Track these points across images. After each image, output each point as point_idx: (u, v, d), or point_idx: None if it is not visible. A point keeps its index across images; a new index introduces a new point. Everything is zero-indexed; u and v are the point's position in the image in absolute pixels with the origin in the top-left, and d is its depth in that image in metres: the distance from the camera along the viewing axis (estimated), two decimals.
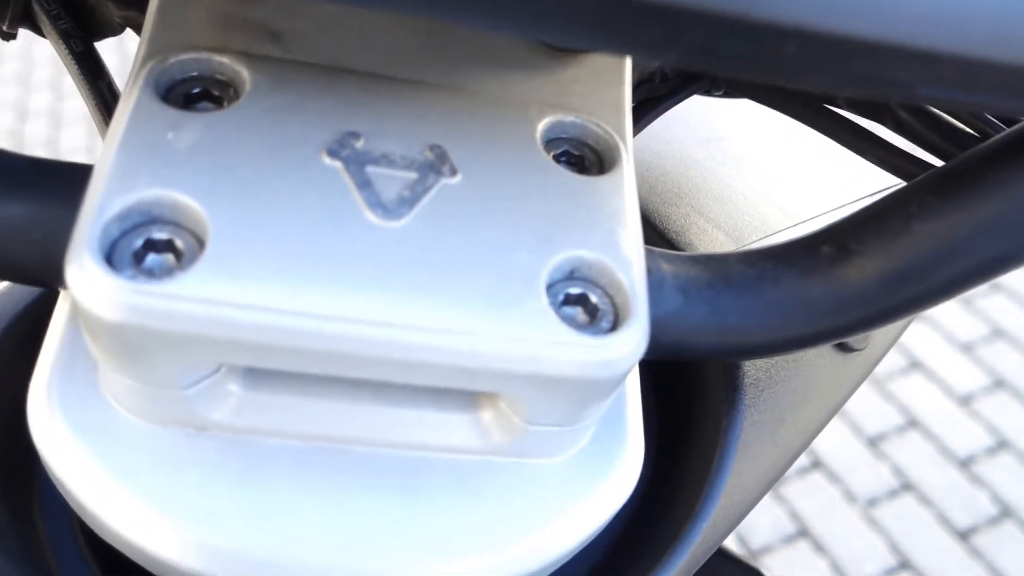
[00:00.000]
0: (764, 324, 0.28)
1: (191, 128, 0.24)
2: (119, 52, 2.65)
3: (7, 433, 0.33)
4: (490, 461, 0.27)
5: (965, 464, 1.82)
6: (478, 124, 0.27)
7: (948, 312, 2.14)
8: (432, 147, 0.26)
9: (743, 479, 0.35)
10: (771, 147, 0.55)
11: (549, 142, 0.28)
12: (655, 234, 0.46)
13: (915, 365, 2.01)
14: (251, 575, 0.24)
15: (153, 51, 0.26)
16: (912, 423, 1.89)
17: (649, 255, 0.28)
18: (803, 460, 1.81)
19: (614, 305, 0.25)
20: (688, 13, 0.17)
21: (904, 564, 1.64)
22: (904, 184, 0.30)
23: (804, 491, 1.75)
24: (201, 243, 0.22)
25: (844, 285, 0.28)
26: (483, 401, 0.27)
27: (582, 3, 0.17)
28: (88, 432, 0.25)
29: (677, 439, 0.38)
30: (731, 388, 0.37)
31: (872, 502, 1.74)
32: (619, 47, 0.20)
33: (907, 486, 1.77)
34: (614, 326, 0.25)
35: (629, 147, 0.29)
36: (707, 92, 0.44)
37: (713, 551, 0.34)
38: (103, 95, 0.40)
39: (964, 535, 1.69)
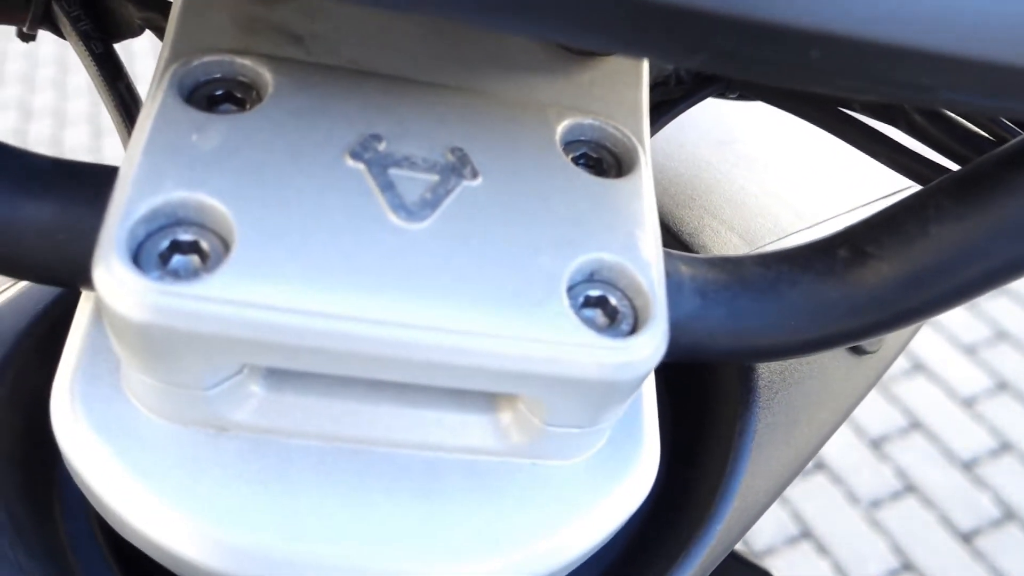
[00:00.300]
0: (781, 327, 0.28)
1: (215, 130, 0.24)
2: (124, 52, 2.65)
3: (28, 433, 0.33)
4: (508, 462, 0.27)
5: (968, 466, 1.82)
6: (498, 127, 0.27)
7: (952, 314, 2.14)
8: (453, 150, 0.26)
9: (757, 481, 0.36)
10: (784, 150, 0.55)
11: (568, 144, 0.28)
12: (669, 236, 0.46)
13: (919, 367, 2.01)
14: (270, 573, 0.24)
15: (177, 54, 0.26)
16: (915, 425, 1.89)
17: (667, 258, 0.29)
18: None
19: (634, 308, 0.25)
20: (714, 18, 0.17)
21: (907, 566, 1.64)
22: (918, 187, 0.30)
23: (807, 492, 1.75)
24: (226, 245, 0.23)
25: (861, 288, 0.28)
26: (502, 403, 0.27)
27: (611, 8, 0.17)
28: (110, 432, 0.25)
29: (692, 441, 0.38)
30: (746, 390, 0.38)
31: (875, 504, 1.74)
32: (646, 52, 0.20)
33: (910, 488, 1.77)
34: (634, 328, 0.25)
35: (647, 149, 0.29)
36: (721, 95, 0.44)
37: (727, 553, 0.34)
38: (122, 96, 0.40)
39: (967, 537, 1.69)
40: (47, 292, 0.35)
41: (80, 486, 0.26)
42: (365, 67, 0.28)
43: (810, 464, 1.78)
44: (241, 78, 0.26)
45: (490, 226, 0.25)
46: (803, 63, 0.19)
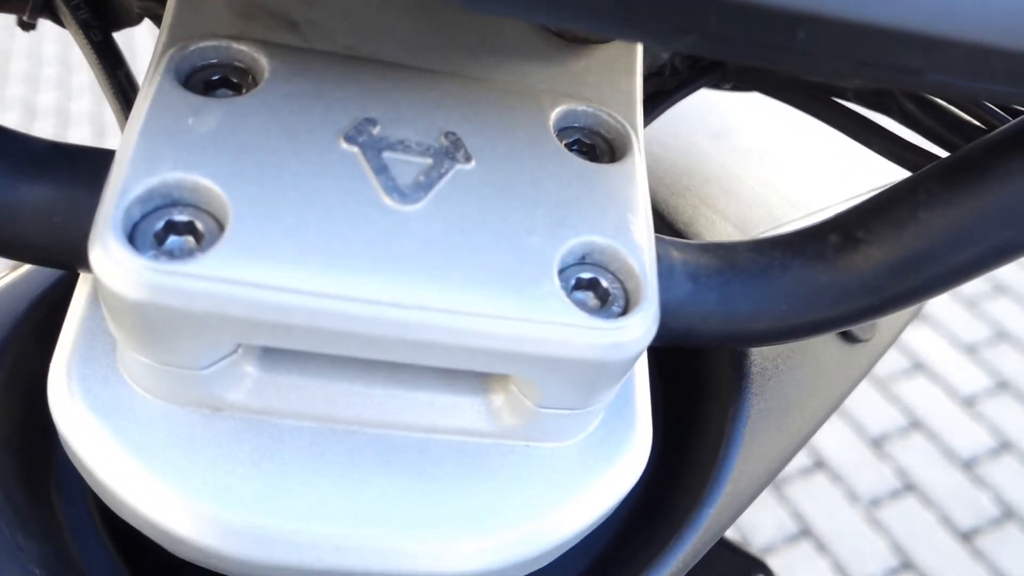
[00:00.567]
0: (772, 311, 0.29)
1: (211, 113, 0.25)
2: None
3: (26, 417, 0.33)
4: (500, 444, 0.28)
5: (968, 465, 1.82)
6: (492, 112, 0.28)
7: (952, 314, 2.14)
8: (447, 134, 0.26)
9: (749, 466, 0.36)
10: (779, 141, 0.55)
11: (561, 131, 0.29)
12: (664, 225, 0.46)
13: (918, 366, 2.01)
14: (265, 552, 0.25)
15: (173, 39, 0.26)
16: (915, 424, 1.89)
17: (659, 243, 0.29)
18: (806, 460, 1.81)
19: (625, 290, 0.26)
20: (702, 1, 0.17)
21: (906, 565, 1.64)
22: (910, 175, 0.30)
23: (807, 491, 1.75)
24: (221, 225, 0.23)
25: (851, 273, 0.28)
26: (494, 384, 0.28)
27: None
28: (107, 412, 0.25)
29: (684, 426, 0.39)
30: (738, 376, 0.38)
31: (875, 502, 1.74)
32: (635, 35, 0.20)
33: (910, 487, 1.77)
34: (625, 310, 0.25)
35: (640, 136, 0.29)
36: (716, 85, 0.44)
37: (719, 537, 0.34)
38: (121, 84, 0.41)
39: (966, 536, 1.69)
40: (44, 278, 0.35)
41: (77, 466, 0.26)
42: (360, 53, 0.28)
43: (810, 462, 1.79)
44: (237, 63, 0.27)
45: (483, 209, 0.25)
46: (790, 45, 0.19)
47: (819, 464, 1.80)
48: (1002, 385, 1.99)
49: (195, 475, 0.25)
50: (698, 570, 0.35)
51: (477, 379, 0.28)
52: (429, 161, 0.25)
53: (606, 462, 0.28)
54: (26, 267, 0.36)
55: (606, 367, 0.25)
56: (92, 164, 0.25)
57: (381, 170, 0.25)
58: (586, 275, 0.25)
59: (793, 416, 0.39)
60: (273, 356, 0.26)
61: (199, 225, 0.23)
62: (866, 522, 1.70)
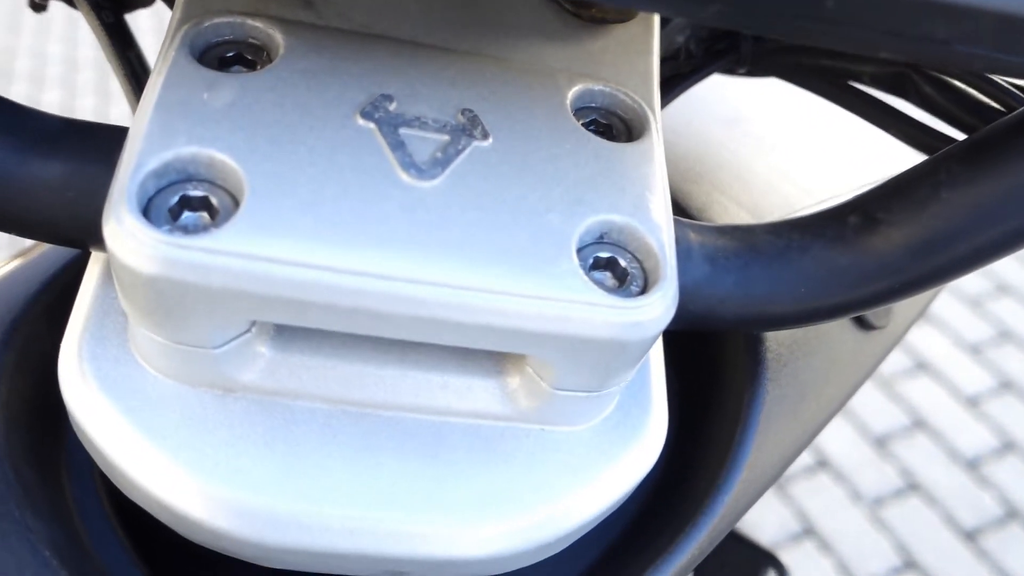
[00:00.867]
0: (791, 294, 0.28)
1: (227, 88, 0.24)
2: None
3: (36, 398, 0.33)
4: (515, 427, 0.27)
5: (972, 465, 1.81)
6: (509, 91, 0.27)
7: (956, 313, 2.14)
8: (464, 111, 0.26)
9: (764, 453, 0.35)
10: (792, 128, 0.55)
11: (578, 110, 0.28)
12: (678, 210, 0.46)
13: (922, 366, 2.01)
14: (277, 535, 0.24)
15: (188, 15, 0.26)
16: (919, 424, 1.89)
17: (677, 225, 0.28)
18: (810, 459, 1.80)
19: (643, 269, 0.25)
20: None
21: (910, 564, 1.63)
22: (928, 157, 0.30)
23: (811, 490, 1.74)
24: (236, 201, 0.23)
25: (871, 254, 0.28)
26: (510, 366, 0.27)
27: None
28: (118, 391, 0.25)
29: (700, 412, 0.38)
30: (753, 362, 0.37)
31: (878, 502, 1.73)
32: (659, 5, 0.20)
33: (913, 486, 1.77)
34: (643, 290, 0.25)
35: (658, 116, 0.29)
36: (731, 70, 0.44)
37: (734, 525, 0.34)
38: (132, 66, 0.40)
39: (970, 535, 1.69)
40: (55, 260, 0.35)
41: (86, 446, 0.26)
42: (376, 31, 0.28)
43: (813, 462, 1.78)
44: (252, 40, 0.26)
45: (500, 186, 0.25)
46: (818, 14, 0.19)
47: (822, 463, 1.80)
48: (1006, 385, 1.98)
49: (206, 456, 0.24)
50: (711, 561, 0.35)
51: (492, 360, 0.27)
52: (446, 138, 0.25)
53: (621, 447, 0.28)
54: (37, 250, 0.36)
55: (625, 347, 0.24)
56: (106, 140, 0.25)
57: (398, 146, 0.25)
58: (604, 254, 0.25)
59: (808, 403, 0.38)
60: (286, 336, 0.26)
61: (214, 200, 0.23)
62: (869, 521, 1.70)
